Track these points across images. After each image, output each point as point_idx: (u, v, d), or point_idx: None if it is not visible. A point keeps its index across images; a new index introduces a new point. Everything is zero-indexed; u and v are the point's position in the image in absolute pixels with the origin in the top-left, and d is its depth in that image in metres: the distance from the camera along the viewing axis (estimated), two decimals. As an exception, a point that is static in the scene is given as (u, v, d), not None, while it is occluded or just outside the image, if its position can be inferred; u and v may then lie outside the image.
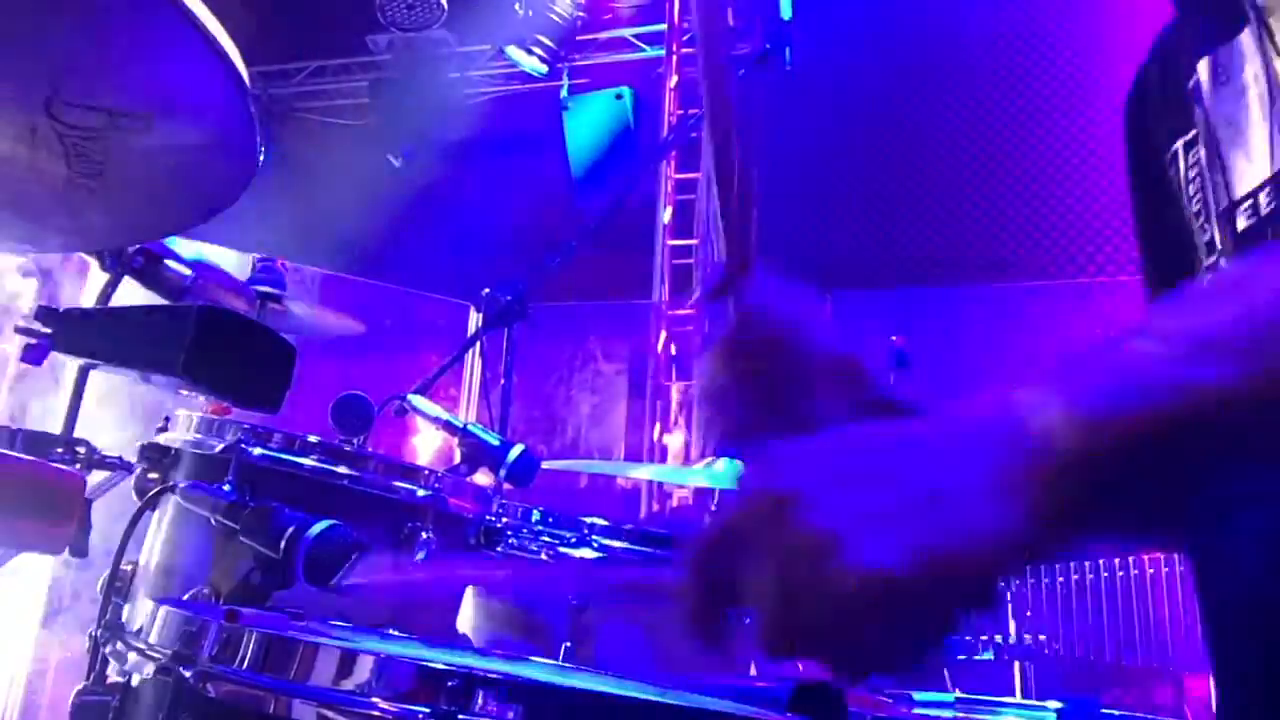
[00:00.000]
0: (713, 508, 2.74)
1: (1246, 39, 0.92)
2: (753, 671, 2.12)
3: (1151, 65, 1.11)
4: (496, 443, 1.99)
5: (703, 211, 5.61)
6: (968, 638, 2.98)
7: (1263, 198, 0.89)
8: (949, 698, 2.06)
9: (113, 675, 1.24)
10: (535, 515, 2.16)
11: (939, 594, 0.56)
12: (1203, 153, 0.96)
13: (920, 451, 0.60)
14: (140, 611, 1.12)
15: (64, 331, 1.56)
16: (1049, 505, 0.56)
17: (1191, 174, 0.99)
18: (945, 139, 5.58)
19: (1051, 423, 0.57)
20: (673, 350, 5.64)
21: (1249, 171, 0.91)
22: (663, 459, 5.39)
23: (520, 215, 6.26)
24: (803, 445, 0.62)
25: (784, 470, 0.60)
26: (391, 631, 1.37)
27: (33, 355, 1.55)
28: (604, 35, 6.65)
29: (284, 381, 1.59)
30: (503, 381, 2.58)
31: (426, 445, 4.97)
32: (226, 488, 1.58)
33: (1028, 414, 0.58)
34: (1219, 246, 0.94)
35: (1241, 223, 0.91)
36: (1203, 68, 0.96)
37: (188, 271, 2.18)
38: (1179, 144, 1.01)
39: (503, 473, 1.96)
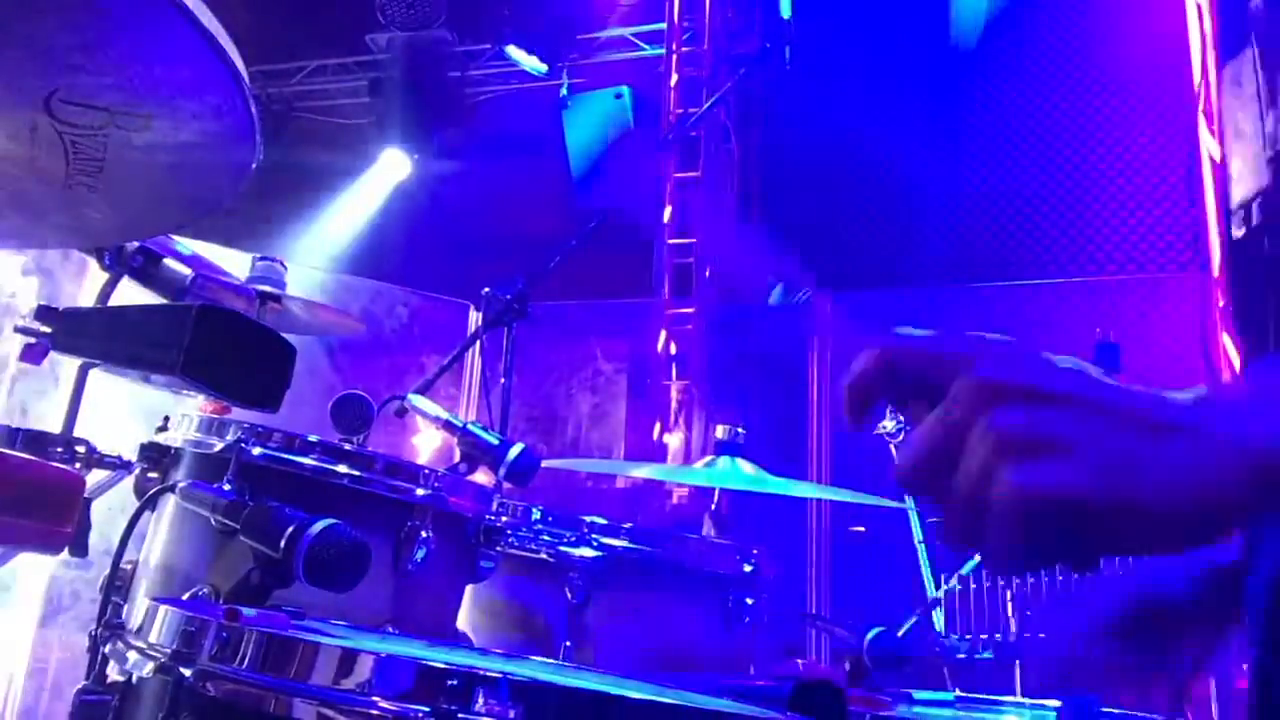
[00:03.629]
0: (712, 507, 2.73)
1: None
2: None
3: None
4: (496, 442, 1.99)
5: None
6: (967, 636, 2.97)
7: None
8: (949, 696, 2.06)
9: (113, 674, 1.24)
10: (535, 514, 2.16)
11: (1108, 532, 0.56)
12: None
13: (1156, 407, 0.59)
14: (140, 611, 1.12)
15: (64, 331, 1.55)
16: (1248, 514, 0.56)
17: None
18: (947, 138, 5.57)
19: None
20: (673, 350, 5.63)
21: None
22: (663, 459, 5.38)
23: (520, 215, 6.25)
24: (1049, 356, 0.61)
25: (1024, 366, 0.59)
26: (391, 630, 1.37)
27: (33, 355, 1.55)
28: (604, 35, 6.64)
29: (284, 381, 1.58)
30: (503, 381, 2.57)
31: (426, 445, 4.96)
32: (226, 487, 1.58)
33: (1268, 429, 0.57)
34: None
35: None
36: None
37: (187, 271, 2.17)
38: None
39: (503, 472, 1.96)
